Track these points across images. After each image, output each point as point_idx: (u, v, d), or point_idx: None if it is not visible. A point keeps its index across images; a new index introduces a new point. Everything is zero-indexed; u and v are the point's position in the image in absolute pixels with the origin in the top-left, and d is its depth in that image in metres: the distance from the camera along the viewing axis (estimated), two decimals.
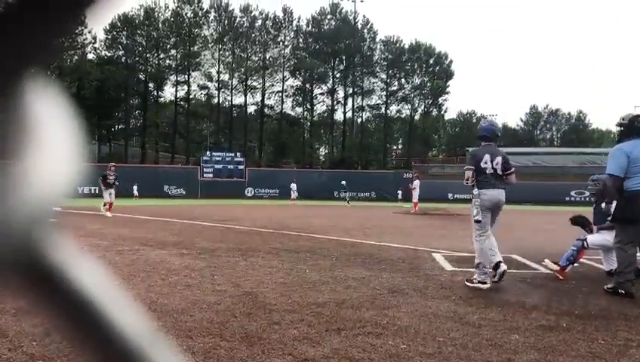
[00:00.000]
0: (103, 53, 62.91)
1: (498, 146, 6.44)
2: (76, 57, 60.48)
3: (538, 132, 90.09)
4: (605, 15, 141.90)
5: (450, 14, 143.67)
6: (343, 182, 36.00)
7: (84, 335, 0.36)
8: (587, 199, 42.70)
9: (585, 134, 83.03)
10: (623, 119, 5.82)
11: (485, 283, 5.79)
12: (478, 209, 6.00)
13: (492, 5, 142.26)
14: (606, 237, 6.30)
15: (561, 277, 6.35)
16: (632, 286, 5.36)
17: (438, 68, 70.97)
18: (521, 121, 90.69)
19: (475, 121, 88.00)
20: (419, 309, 4.69)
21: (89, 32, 61.51)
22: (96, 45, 62.16)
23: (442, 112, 75.88)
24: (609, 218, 5.93)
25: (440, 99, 72.55)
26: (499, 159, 6.10)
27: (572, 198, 45.57)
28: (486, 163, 6.03)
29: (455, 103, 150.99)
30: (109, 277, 0.40)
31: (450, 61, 71.58)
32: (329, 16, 69.29)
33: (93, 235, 10.79)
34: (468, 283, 5.90)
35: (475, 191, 6.08)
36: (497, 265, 5.97)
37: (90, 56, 62.55)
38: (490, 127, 6.46)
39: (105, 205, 17.78)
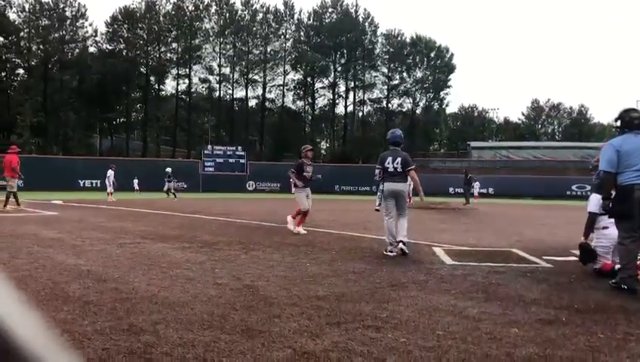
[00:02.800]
0: (104, 46, 62.98)
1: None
2: (77, 50, 60.43)
3: (539, 126, 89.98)
4: (607, 6, 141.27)
5: (451, 7, 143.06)
6: (169, 169, 31.98)
7: None
8: (588, 193, 42.72)
9: (587, 128, 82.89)
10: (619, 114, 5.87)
11: (392, 252, 7.63)
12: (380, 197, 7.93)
13: None
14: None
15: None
16: (634, 282, 5.36)
17: (439, 61, 70.86)
18: (523, 115, 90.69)
19: (476, 115, 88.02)
20: (419, 303, 4.70)
21: (90, 25, 61.54)
22: (98, 38, 62.19)
23: (444, 106, 75.88)
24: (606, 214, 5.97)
25: (441, 93, 72.53)
26: (399, 160, 7.88)
27: (573, 192, 45.52)
28: (389, 163, 7.90)
29: (456, 97, 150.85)
30: (5, 285, 0.40)
31: (452, 54, 71.57)
32: (330, 10, 69.19)
33: (95, 228, 10.81)
34: (384, 252, 7.73)
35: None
36: (398, 243, 7.73)
37: (92, 49, 62.60)
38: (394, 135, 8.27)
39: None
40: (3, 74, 54.76)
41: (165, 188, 27.68)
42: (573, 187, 45.88)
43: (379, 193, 8.22)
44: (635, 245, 5.46)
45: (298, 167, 10.89)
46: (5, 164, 15.87)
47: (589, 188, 45.87)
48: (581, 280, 6.01)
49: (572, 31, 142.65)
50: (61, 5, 57.54)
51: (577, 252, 8.33)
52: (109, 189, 24.57)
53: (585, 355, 3.33)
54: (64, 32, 58.09)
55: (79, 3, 58.69)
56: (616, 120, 5.92)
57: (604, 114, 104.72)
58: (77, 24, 59.52)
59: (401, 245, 7.65)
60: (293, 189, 11.27)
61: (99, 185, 36.43)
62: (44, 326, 0.39)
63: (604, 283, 5.67)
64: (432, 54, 70.49)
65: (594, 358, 3.28)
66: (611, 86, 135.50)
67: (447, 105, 77.11)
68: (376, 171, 8.10)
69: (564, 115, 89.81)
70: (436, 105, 74.18)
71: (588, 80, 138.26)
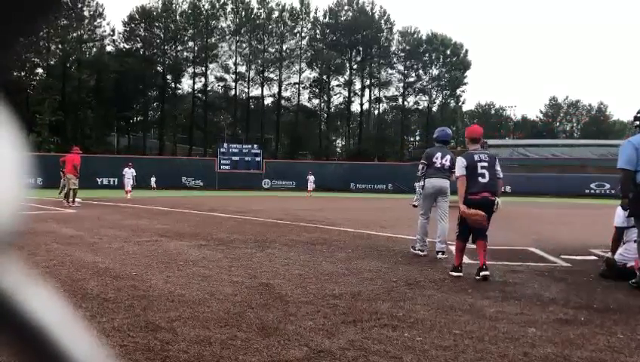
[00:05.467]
0: (122, 45, 63.48)
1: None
2: (95, 50, 61.02)
3: (558, 123, 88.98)
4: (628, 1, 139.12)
5: (467, 3, 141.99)
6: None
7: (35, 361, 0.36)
8: (607, 192, 42.22)
9: (606, 126, 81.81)
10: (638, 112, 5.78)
11: (423, 251, 7.54)
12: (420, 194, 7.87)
13: None
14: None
15: None
16: None
17: (455, 59, 70.33)
18: (541, 112, 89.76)
19: (493, 112, 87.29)
20: (435, 302, 4.68)
21: (107, 25, 62.08)
22: (115, 38, 62.70)
23: (460, 104, 75.33)
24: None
25: (458, 90, 71.97)
26: (448, 157, 7.62)
27: (592, 191, 44.95)
28: (437, 158, 7.59)
29: (473, 94, 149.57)
30: (59, 301, 0.40)
31: (467, 51, 70.93)
32: (346, 8, 68.97)
33: (113, 226, 10.92)
34: (411, 249, 7.71)
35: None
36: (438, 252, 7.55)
37: (109, 48, 63.13)
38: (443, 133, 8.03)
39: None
40: (22, 73, 55.42)
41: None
42: (592, 185, 45.29)
43: (418, 189, 8.02)
44: None
45: None
46: (68, 162, 17.38)
47: (607, 186, 45.61)
48: (600, 279, 5.94)
49: (591, 26, 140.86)
50: (79, 5, 58.13)
51: (597, 251, 8.26)
52: (128, 187, 25.20)
53: (604, 356, 3.29)
54: (82, 31, 58.67)
55: (97, 2, 59.24)
56: (635, 118, 5.84)
57: (623, 111, 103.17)
58: (95, 23, 60.05)
59: (440, 255, 7.36)
60: None
61: (116, 183, 36.80)
62: (98, 347, 0.40)
63: (624, 282, 5.59)
64: (448, 51, 69.96)
65: (613, 359, 3.24)
66: (632, 83, 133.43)
67: (463, 103, 76.61)
68: (420, 166, 7.83)
69: (583, 113, 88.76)
70: (452, 103, 73.69)
71: (607, 77, 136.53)
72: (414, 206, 7.90)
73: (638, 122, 5.78)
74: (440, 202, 7.67)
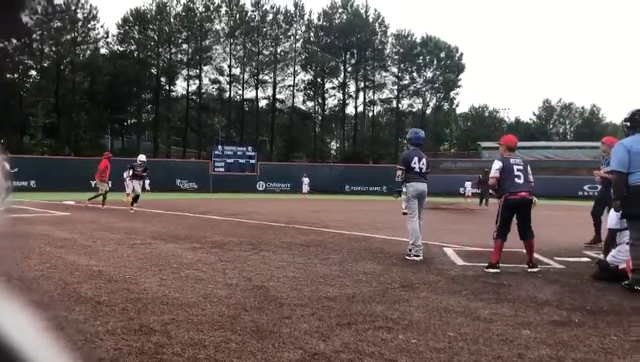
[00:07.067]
0: (116, 47, 63.25)
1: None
2: (89, 52, 60.82)
3: (551, 126, 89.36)
4: (620, 4, 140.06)
5: (460, 6, 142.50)
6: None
7: None
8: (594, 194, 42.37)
9: (599, 128, 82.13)
10: (629, 115, 5.82)
11: (419, 256, 7.35)
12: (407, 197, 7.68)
13: None
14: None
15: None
16: None
17: (449, 61, 70.54)
18: (534, 114, 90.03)
19: (487, 115, 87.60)
20: (430, 304, 4.69)
21: (101, 27, 61.94)
22: (109, 40, 62.51)
23: (454, 106, 75.58)
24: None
25: (451, 93, 72.18)
26: (424, 160, 7.76)
27: (585, 193, 45.10)
28: (415, 163, 7.66)
29: (467, 97, 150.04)
30: (30, 319, 0.39)
31: (461, 54, 71.13)
32: (340, 10, 69.00)
33: (107, 229, 10.88)
34: (407, 258, 7.40)
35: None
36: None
37: (103, 50, 62.94)
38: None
39: (136, 199, 17.35)
40: (16, 75, 55.18)
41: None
42: (585, 187, 45.40)
43: (403, 195, 7.82)
44: None
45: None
46: (99, 167, 18.28)
47: (599, 188, 45.35)
48: (593, 281, 5.96)
49: (584, 29, 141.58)
50: (73, 7, 57.96)
51: (590, 253, 8.30)
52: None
53: (598, 357, 3.30)
54: (76, 33, 58.48)
55: (91, 5, 59.00)
56: (626, 120, 5.88)
57: (616, 114, 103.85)
58: (88, 26, 59.84)
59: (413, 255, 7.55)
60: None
61: (110, 185, 36.67)
62: (41, 330, 0.39)
63: (617, 284, 5.61)
64: (442, 54, 70.14)
65: (607, 360, 3.25)
66: (624, 86, 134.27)
67: (457, 105, 76.80)
68: (399, 172, 7.76)
69: (576, 115, 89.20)
70: (446, 106, 73.91)
71: (600, 80, 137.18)
72: (405, 213, 7.68)
73: (628, 123, 5.82)
74: (423, 204, 7.85)
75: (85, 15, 59.25)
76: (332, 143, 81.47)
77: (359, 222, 13.91)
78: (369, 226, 12.58)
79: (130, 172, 17.53)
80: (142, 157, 18.07)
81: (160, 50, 63.69)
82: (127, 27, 62.46)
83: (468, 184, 35.97)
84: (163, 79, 64.92)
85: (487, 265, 6.59)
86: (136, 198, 17.09)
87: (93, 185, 18.95)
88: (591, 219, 9.75)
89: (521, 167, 6.72)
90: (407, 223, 7.66)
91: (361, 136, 70.29)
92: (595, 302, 4.87)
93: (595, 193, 9.79)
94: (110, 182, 20.09)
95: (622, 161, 5.51)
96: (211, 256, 7.34)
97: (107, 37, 61.98)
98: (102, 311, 4.16)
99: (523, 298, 5.00)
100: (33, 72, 58.58)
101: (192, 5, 63.23)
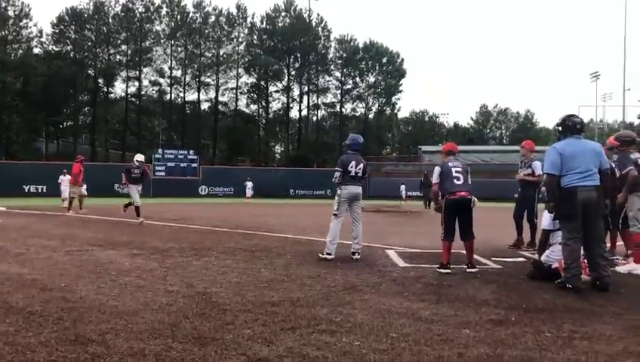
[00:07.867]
0: (50, 47, 60.91)
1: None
2: (21, 51, 58.23)
3: (488, 130, 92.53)
4: (553, 15, 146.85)
5: (402, 13, 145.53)
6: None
7: None
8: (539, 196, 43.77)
9: (533, 132, 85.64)
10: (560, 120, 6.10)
11: (331, 255, 7.67)
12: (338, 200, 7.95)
13: (444, 3, 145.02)
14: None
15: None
16: (579, 281, 5.54)
17: (391, 67, 71.81)
18: (472, 119, 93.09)
19: (427, 119, 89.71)
20: (372, 306, 4.73)
21: (34, 26, 59.46)
22: (43, 39, 60.11)
23: (395, 111, 77.06)
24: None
25: (393, 97, 73.54)
26: (361, 165, 8.03)
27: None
28: (352, 167, 7.91)
29: (408, 102, 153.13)
30: None
31: (402, 60, 72.56)
32: (283, 14, 69.06)
33: (41, 235, 10.43)
34: (320, 255, 7.74)
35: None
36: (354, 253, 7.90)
37: (37, 50, 60.45)
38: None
39: (129, 205, 15.36)
40: None
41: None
42: (519, 189, 47.16)
43: (337, 197, 7.97)
44: (578, 245, 5.65)
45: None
46: (73, 171, 18.45)
47: (519, 190, 46.96)
48: (529, 280, 6.18)
49: (519, 38, 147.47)
50: (3, 4, 55.36)
51: (525, 253, 8.61)
52: (65, 195, 23.65)
53: (533, 354, 3.42)
54: (7, 31, 55.89)
55: (22, 2, 56.59)
56: (558, 125, 6.14)
57: (548, 119, 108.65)
58: (20, 24, 57.37)
59: (357, 256, 7.77)
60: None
61: (45, 190, 35.19)
62: None
63: (551, 283, 5.84)
64: (384, 59, 71.33)
65: (542, 356, 3.38)
66: (555, 92, 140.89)
67: (398, 110, 78.50)
68: (337, 174, 7.95)
69: (512, 120, 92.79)
70: (388, 110, 75.23)
71: (534, 86, 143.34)
72: (336, 215, 7.93)
73: (560, 128, 6.08)
74: (354, 206, 8.05)
75: (17, 13, 56.76)
76: (276, 147, 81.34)
77: (304, 226, 13.92)
78: (313, 230, 12.60)
79: (124, 177, 15.22)
80: (140, 157, 15.42)
81: (98, 50, 61.85)
82: (62, 26, 60.29)
83: (403, 187, 36.57)
84: (101, 81, 63.05)
85: (439, 265, 6.80)
86: (137, 208, 14.86)
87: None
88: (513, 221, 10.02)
89: (459, 169, 7.01)
90: (331, 223, 7.92)
91: (306, 140, 70.46)
92: (531, 301, 5.05)
93: (515, 195, 10.10)
94: (85, 186, 20.11)
95: (555, 163, 5.75)
96: (151, 262, 7.16)
97: (41, 36, 59.69)
98: (35, 322, 3.97)
99: (462, 298, 5.13)
100: None
101: (131, 6, 61.70)
